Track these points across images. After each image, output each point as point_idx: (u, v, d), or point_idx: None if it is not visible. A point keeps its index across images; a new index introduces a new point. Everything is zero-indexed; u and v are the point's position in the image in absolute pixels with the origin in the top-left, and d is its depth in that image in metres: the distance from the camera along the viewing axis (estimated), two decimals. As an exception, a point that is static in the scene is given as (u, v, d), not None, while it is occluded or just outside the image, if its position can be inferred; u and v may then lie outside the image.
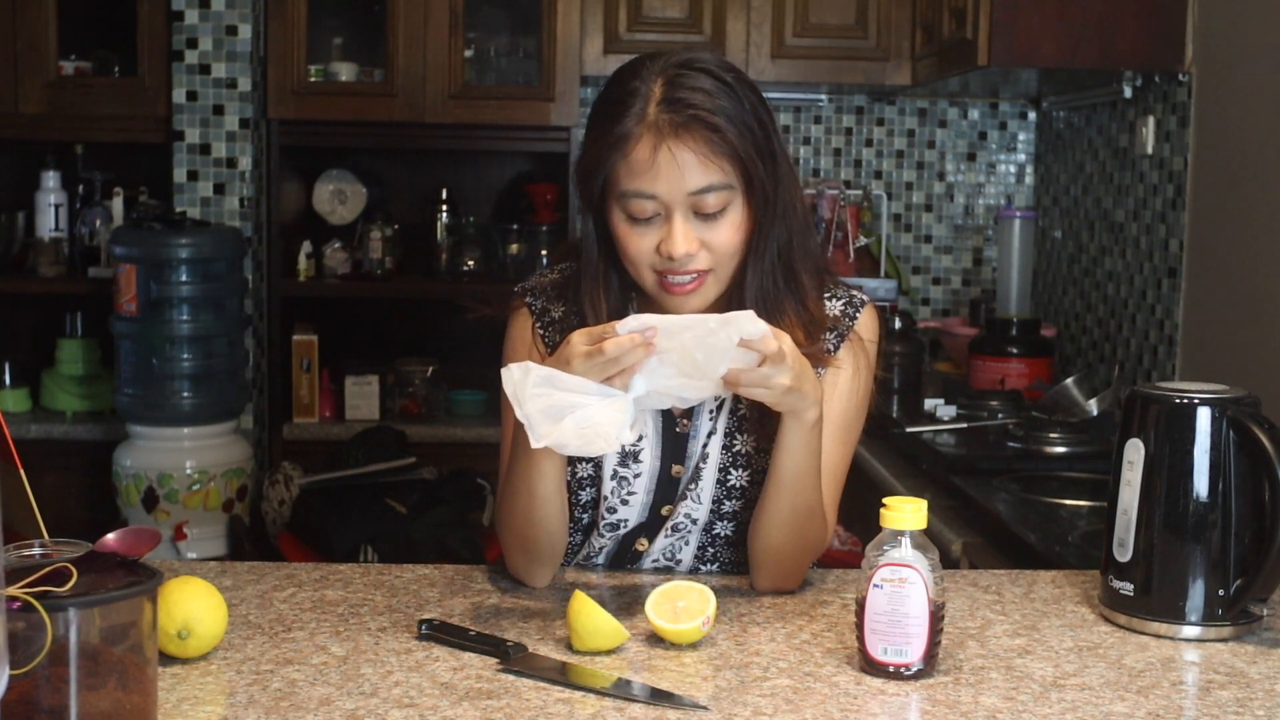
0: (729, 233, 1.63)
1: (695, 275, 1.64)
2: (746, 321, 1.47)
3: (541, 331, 1.78)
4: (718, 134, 1.60)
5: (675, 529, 1.75)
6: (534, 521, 1.65)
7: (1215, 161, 2.90)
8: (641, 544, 1.77)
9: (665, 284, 1.65)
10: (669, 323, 1.48)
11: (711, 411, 1.74)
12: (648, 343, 1.46)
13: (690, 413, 1.75)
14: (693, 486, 1.73)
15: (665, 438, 1.74)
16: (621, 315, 1.67)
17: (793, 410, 1.57)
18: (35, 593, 1.08)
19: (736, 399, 1.72)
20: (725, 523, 1.76)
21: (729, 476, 1.74)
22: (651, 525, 1.76)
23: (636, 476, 1.73)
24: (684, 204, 1.61)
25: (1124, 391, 3.03)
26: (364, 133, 4.10)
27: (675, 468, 1.75)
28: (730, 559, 1.78)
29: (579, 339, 1.50)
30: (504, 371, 1.48)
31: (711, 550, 1.78)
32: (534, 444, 1.46)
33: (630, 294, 1.74)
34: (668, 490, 1.75)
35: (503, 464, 1.74)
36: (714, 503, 1.74)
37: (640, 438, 1.73)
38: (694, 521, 1.75)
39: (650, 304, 1.71)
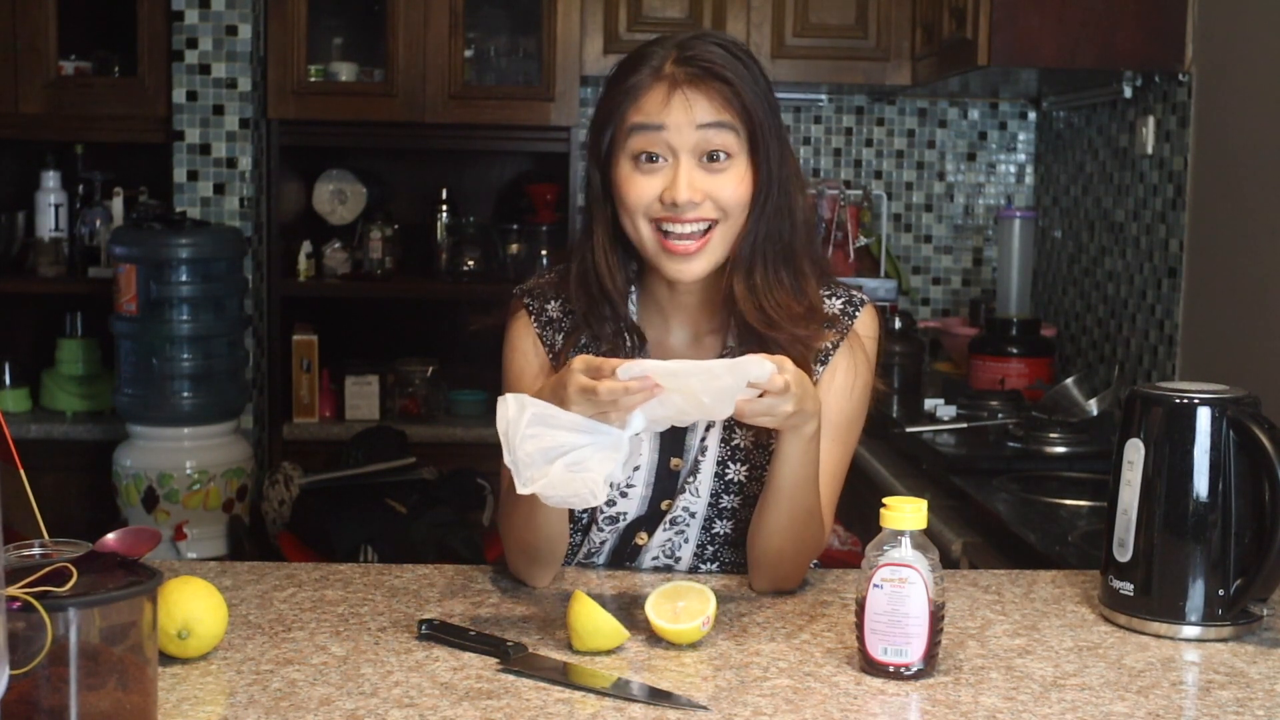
0: (734, 185, 1.65)
1: (696, 228, 1.64)
2: (754, 365, 1.47)
3: (539, 331, 1.78)
4: (730, 87, 1.64)
5: (674, 522, 1.75)
6: (535, 525, 1.65)
7: (1215, 161, 2.90)
8: (641, 538, 1.77)
9: (665, 243, 1.65)
10: (675, 368, 1.46)
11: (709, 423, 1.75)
12: (645, 389, 1.45)
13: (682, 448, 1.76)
14: (691, 479, 1.74)
15: (664, 431, 1.74)
16: (624, 295, 1.69)
17: (794, 427, 1.58)
18: (35, 593, 1.08)
19: None
20: (724, 521, 1.76)
21: (727, 470, 1.74)
22: (651, 518, 1.76)
23: (635, 469, 1.74)
24: (691, 147, 1.63)
25: (1124, 391, 3.03)
26: (364, 133, 4.10)
27: (674, 461, 1.75)
28: (730, 559, 1.78)
29: (579, 367, 1.49)
30: (499, 403, 1.47)
31: (711, 549, 1.78)
32: (519, 490, 1.45)
33: (631, 279, 1.74)
34: (667, 484, 1.75)
35: (503, 466, 1.74)
36: (712, 496, 1.74)
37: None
38: (692, 515, 1.75)
39: (649, 286, 1.72)
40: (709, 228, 1.65)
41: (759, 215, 1.67)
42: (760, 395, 1.49)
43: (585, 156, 1.76)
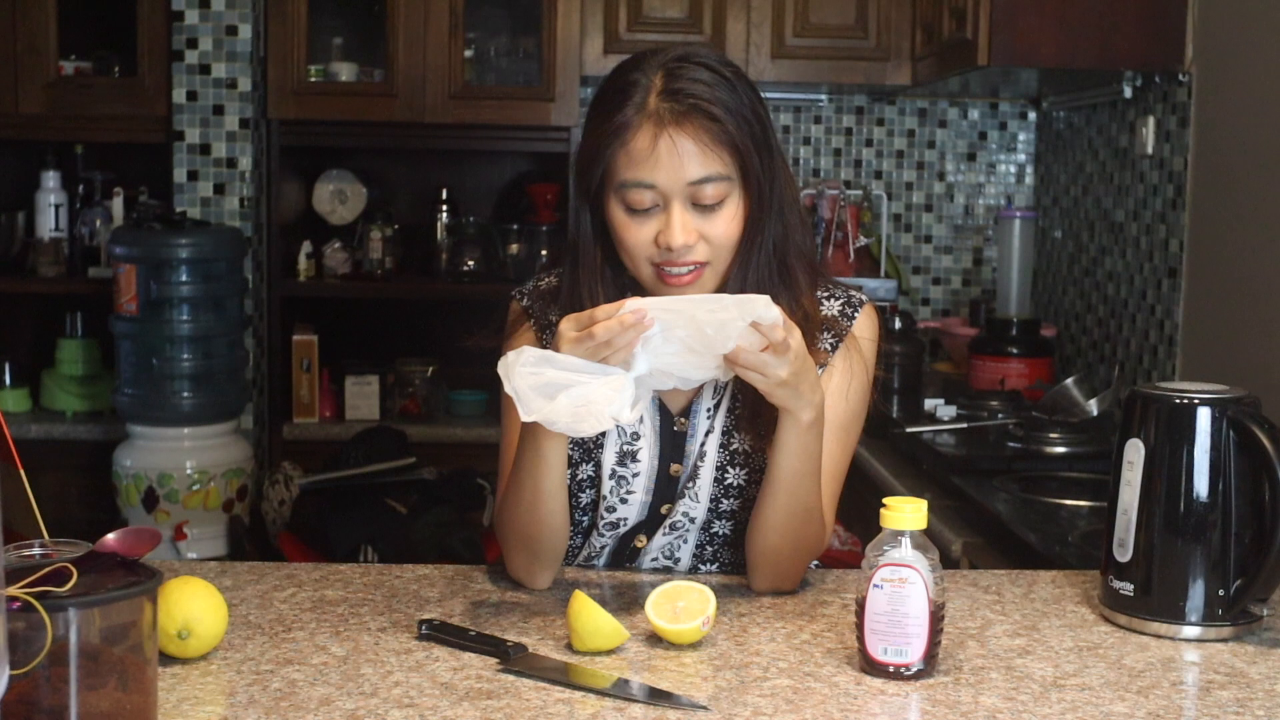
0: (726, 224, 1.64)
1: (693, 267, 1.65)
2: (761, 305, 1.46)
3: (539, 334, 1.77)
4: (717, 124, 1.61)
5: (673, 527, 1.75)
6: (538, 519, 1.65)
7: (1215, 161, 2.90)
8: (640, 541, 1.77)
9: (663, 275, 1.65)
10: (676, 304, 1.47)
11: (709, 410, 1.75)
12: (639, 322, 1.45)
13: (688, 411, 1.75)
14: (690, 485, 1.73)
15: (663, 437, 1.74)
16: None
17: (787, 407, 1.57)
18: (35, 593, 1.07)
19: (735, 397, 1.72)
20: (723, 522, 1.76)
21: (726, 475, 1.74)
22: (651, 523, 1.76)
23: (635, 476, 1.73)
24: (683, 194, 1.62)
25: (1124, 391, 3.03)
26: (364, 133, 4.10)
27: (674, 466, 1.75)
28: (729, 559, 1.78)
29: (567, 325, 1.50)
30: (500, 361, 1.47)
31: (710, 549, 1.78)
32: (523, 418, 1.45)
33: (626, 289, 1.73)
34: (667, 490, 1.75)
35: (503, 466, 1.74)
36: (712, 501, 1.74)
37: (638, 437, 1.73)
38: (692, 520, 1.75)
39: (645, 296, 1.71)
40: (697, 267, 1.65)
41: (751, 243, 1.67)
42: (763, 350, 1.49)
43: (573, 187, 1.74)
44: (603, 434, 1.72)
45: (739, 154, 1.63)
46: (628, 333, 1.46)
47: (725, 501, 1.75)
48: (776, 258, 1.69)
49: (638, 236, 1.64)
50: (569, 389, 1.45)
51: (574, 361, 1.47)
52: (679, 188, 1.61)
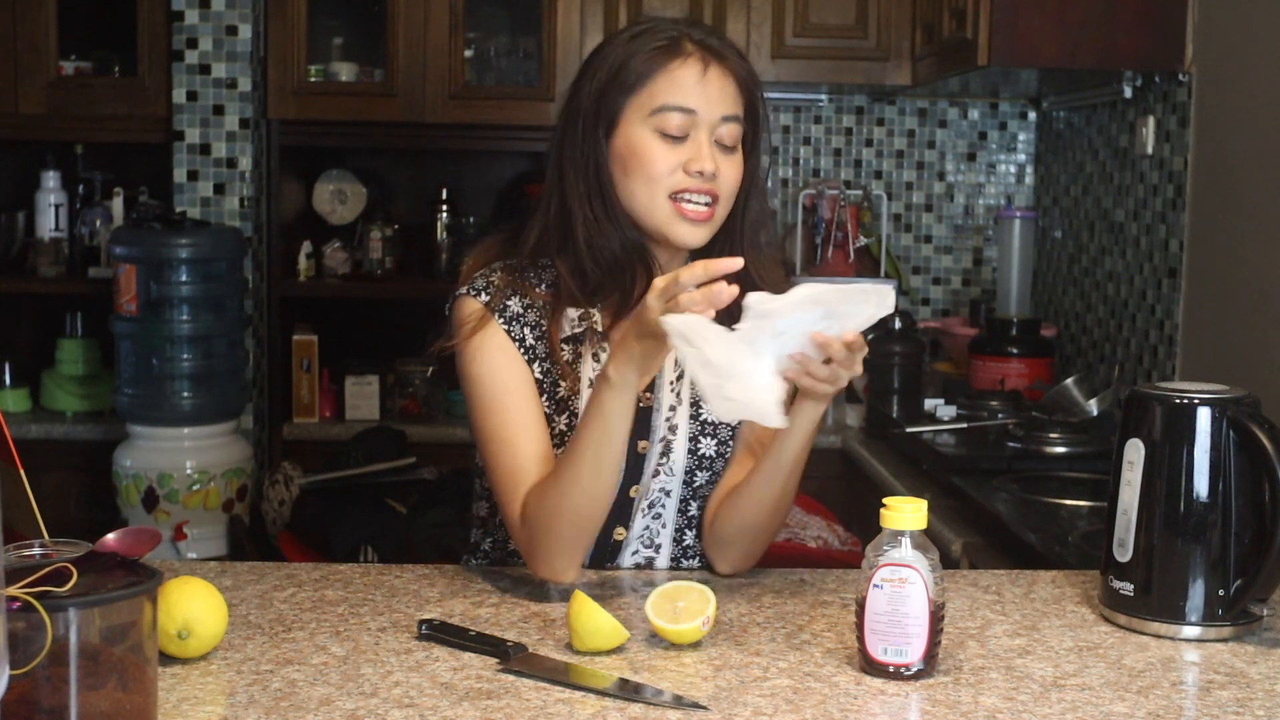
0: (736, 169, 1.72)
1: (710, 200, 1.69)
2: (889, 300, 1.51)
3: (506, 328, 1.73)
4: (746, 74, 1.73)
5: (650, 506, 1.76)
6: (598, 493, 1.62)
7: (1215, 161, 2.90)
8: (620, 533, 1.77)
9: (681, 208, 1.68)
10: (806, 294, 1.50)
11: (673, 382, 1.76)
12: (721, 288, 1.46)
13: (651, 385, 1.76)
14: (664, 460, 1.75)
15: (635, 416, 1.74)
16: (627, 259, 1.70)
17: (822, 400, 1.61)
18: (35, 593, 1.07)
19: None
20: (698, 502, 1.79)
21: (699, 445, 1.77)
22: (622, 509, 1.75)
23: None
24: (711, 127, 1.69)
25: (1124, 391, 3.03)
26: (364, 133, 4.10)
27: (641, 444, 1.75)
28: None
29: (663, 284, 1.50)
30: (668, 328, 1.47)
31: (690, 534, 1.80)
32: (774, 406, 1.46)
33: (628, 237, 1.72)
34: (634, 469, 1.75)
35: (505, 464, 1.69)
36: (686, 474, 1.76)
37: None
38: (668, 495, 1.76)
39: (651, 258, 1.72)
40: (712, 202, 1.70)
41: (739, 205, 1.74)
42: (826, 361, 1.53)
43: (568, 123, 1.74)
44: (570, 420, 1.72)
45: (753, 109, 1.74)
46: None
47: (699, 474, 1.77)
48: (752, 233, 1.75)
49: (667, 160, 1.68)
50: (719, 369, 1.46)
51: (715, 335, 1.46)
52: (712, 120, 1.69)
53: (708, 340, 1.45)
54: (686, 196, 1.68)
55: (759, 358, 1.48)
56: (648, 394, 1.75)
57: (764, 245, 1.77)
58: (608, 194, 1.71)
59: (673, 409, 1.75)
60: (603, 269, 1.72)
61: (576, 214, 1.72)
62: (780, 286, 1.70)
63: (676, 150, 1.68)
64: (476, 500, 1.90)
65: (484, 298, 1.74)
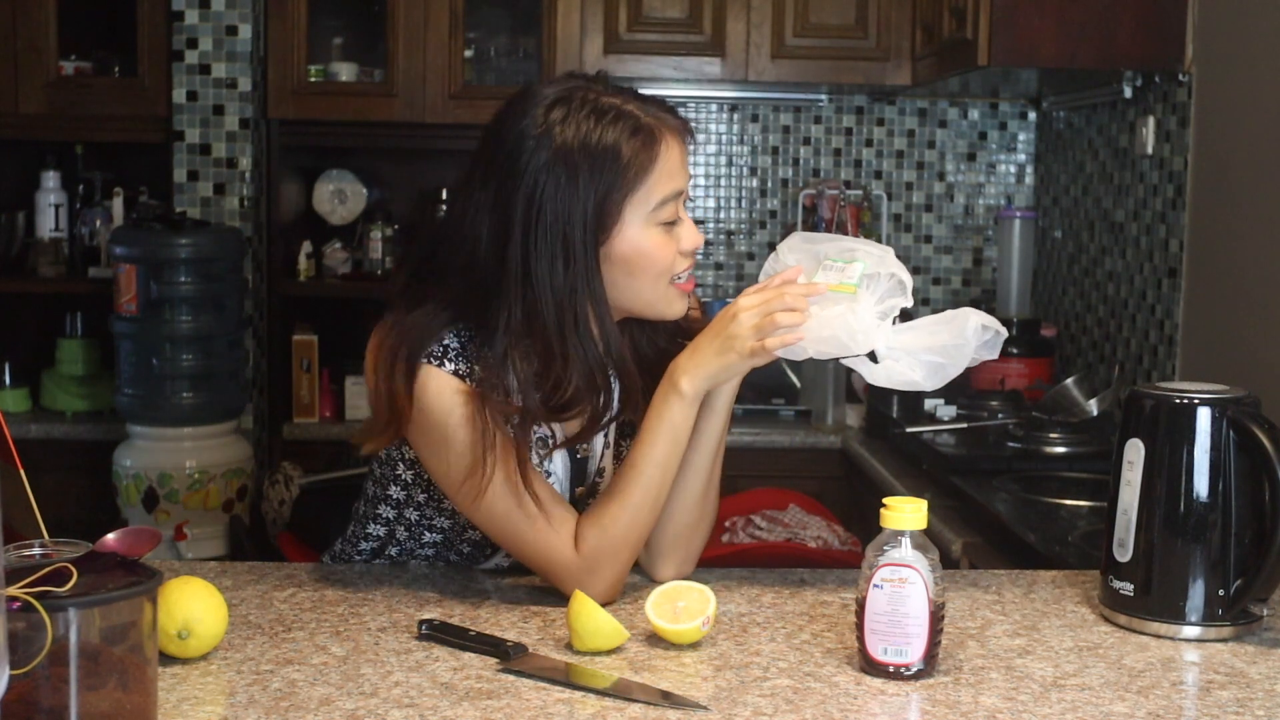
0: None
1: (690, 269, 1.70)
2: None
3: (475, 387, 1.63)
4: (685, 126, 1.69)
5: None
6: (662, 505, 1.67)
7: (1215, 161, 2.90)
8: None
9: (679, 285, 1.68)
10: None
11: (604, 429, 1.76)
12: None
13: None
14: (590, 501, 1.74)
15: (573, 468, 1.75)
16: (599, 380, 1.65)
17: (734, 375, 1.64)
18: (35, 593, 1.07)
19: (623, 406, 1.70)
20: None
21: (622, 450, 1.78)
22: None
23: (550, 470, 1.73)
24: (686, 197, 1.69)
25: (1124, 391, 3.03)
26: (364, 133, 4.10)
27: (578, 490, 1.76)
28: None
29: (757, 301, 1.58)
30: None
31: None
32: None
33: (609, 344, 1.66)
34: (579, 470, 1.77)
35: (534, 508, 1.62)
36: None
37: (549, 475, 1.71)
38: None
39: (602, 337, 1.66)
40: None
41: None
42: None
43: (544, 250, 1.58)
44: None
45: None
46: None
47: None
48: None
49: (670, 250, 1.64)
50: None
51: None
52: (687, 190, 1.68)
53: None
54: (681, 277, 1.67)
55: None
56: (585, 446, 1.75)
57: None
58: (598, 300, 1.61)
59: (605, 450, 1.76)
60: (573, 396, 1.63)
61: (551, 327, 1.60)
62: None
63: (672, 237, 1.65)
64: (378, 502, 1.82)
65: (449, 363, 1.62)
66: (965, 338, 1.57)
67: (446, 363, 1.62)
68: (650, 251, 1.63)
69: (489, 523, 1.65)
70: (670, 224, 1.64)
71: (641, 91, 1.68)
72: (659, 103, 1.66)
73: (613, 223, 1.60)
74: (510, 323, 1.60)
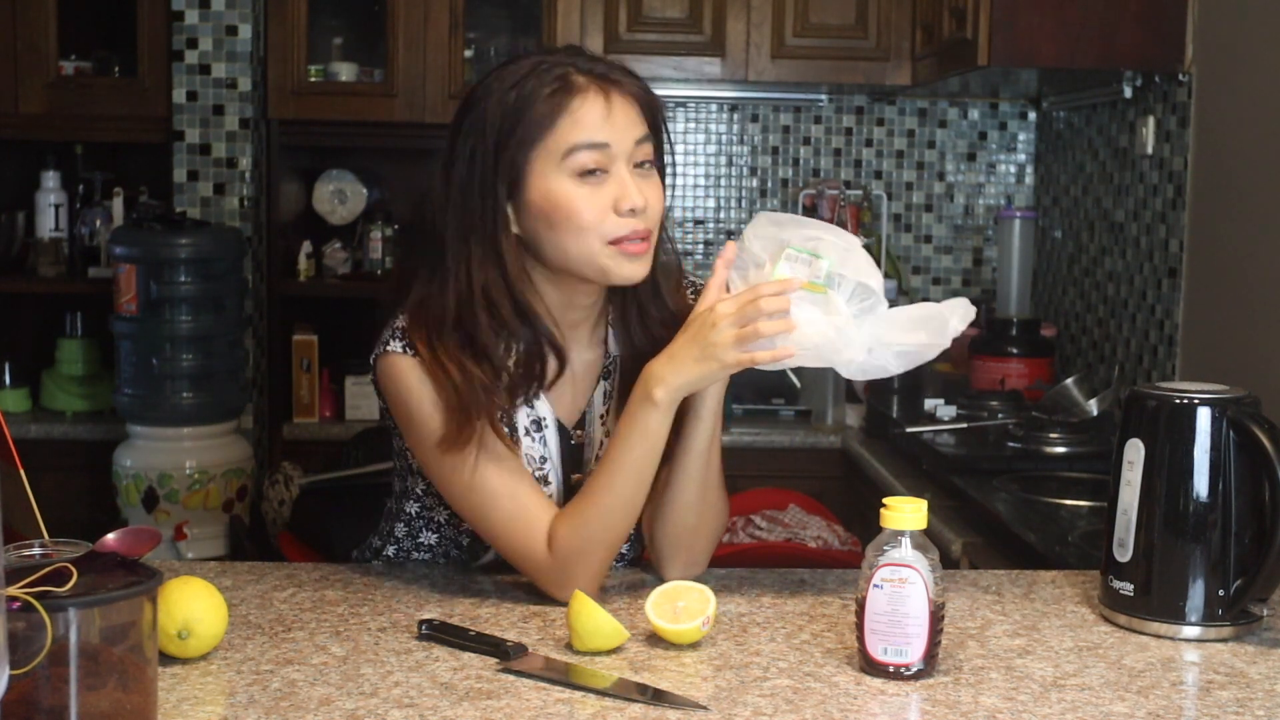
0: (658, 190, 1.66)
1: (644, 234, 1.63)
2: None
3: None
4: (645, 91, 1.66)
5: None
6: (637, 511, 1.65)
7: (1215, 161, 2.90)
8: None
9: (623, 247, 1.61)
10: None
11: (602, 416, 1.76)
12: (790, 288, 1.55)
13: (583, 422, 1.76)
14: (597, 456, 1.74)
15: (565, 454, 1.75)
16: (549, 314, 1.66)
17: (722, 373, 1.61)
18: (35, 593, 1.07)
19: (621, 397, 1.71)
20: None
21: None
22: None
23: (549, 496, 1.72)
24: (628, 156, 1.62)
25: (1124, 391, 3.03)
26: (364, 133, 4.10)
27: (575, 476, 1.75)
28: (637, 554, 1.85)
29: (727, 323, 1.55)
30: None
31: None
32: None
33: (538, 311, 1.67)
34: (568, 500, 1.73)
35: (507, 510, 1.64)
36: None
37: (545, 460, 1.72)
38: None
39: (548, 304, 1.67)
40: (649, 232, 1.64)
41: (664, 224, 1.69)
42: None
43: (450, 183, 1.63)
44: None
45: (657, 131, 1.67)
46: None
47: None
48: (662, 250, 1.70)
49: (594, 205, 1.59)
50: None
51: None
52: (627, 148, 1.61)
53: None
54: (625, 240, 1.61)
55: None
56: (579, 431, 1.75)
57: (664, 260, 1.72)
58: (525, 268, 1.64)
59: (601, 443, 1.75)
60: (518, 366, 1.65)
61: (480, 298, 1.63)
62: (676, 295, 1.73)
63: (599, 192, 1.60)
64: (406, 499, 1.84)
65: (408, 352, 1.65)
66: (944, 337, 1.58)
67: (408, 350, 1.64)
68: (563, 202, 1.59)
69: (470, 515, 1.68)
70: (588, 175, 1.59)
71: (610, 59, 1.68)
72: (608, 63, 1.64)
73: (520, 173, 1.60)
74: (445, 289, 1.63)
